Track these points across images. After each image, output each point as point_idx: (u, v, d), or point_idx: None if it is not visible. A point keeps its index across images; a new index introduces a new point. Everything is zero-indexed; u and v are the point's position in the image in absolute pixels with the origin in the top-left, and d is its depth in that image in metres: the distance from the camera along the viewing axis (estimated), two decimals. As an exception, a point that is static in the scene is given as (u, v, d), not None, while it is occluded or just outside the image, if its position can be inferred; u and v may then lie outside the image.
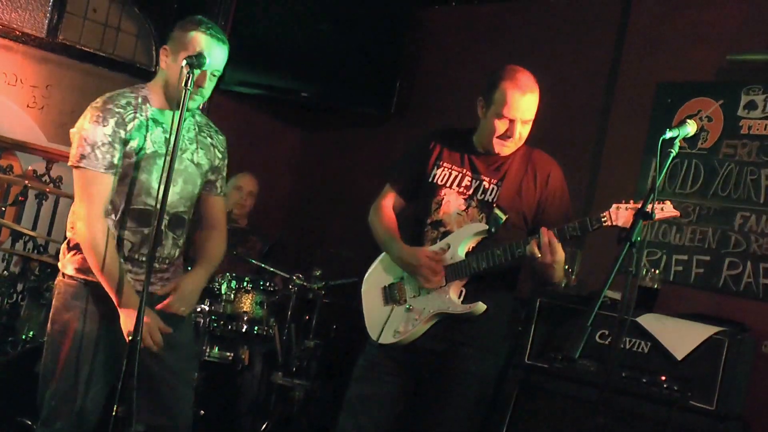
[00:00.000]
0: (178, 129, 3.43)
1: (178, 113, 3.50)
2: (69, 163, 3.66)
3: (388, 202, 4.22)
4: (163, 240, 3.81)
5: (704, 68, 5.42)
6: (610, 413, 3.26)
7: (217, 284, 5.58)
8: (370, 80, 7.12)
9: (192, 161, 3.84)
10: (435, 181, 4.06)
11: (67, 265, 3.73)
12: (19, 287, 6.37)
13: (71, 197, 6.32)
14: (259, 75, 7.22)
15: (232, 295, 5.59)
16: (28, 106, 6.76)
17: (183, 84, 3.46)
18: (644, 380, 4.19)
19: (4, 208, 5.92)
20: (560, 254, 3.69)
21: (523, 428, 4.44)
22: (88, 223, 3.59)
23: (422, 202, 4.11)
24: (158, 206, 3.48)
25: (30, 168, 6.15)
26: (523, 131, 3.94)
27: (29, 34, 6.72)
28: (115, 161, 3.61)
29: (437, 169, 4.08)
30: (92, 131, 3.61)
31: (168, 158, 3.48)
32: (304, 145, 7.89)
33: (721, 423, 3.98)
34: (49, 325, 3.76)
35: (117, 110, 3.65)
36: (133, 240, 3.74)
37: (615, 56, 5.89)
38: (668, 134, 3.40)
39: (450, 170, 4.06)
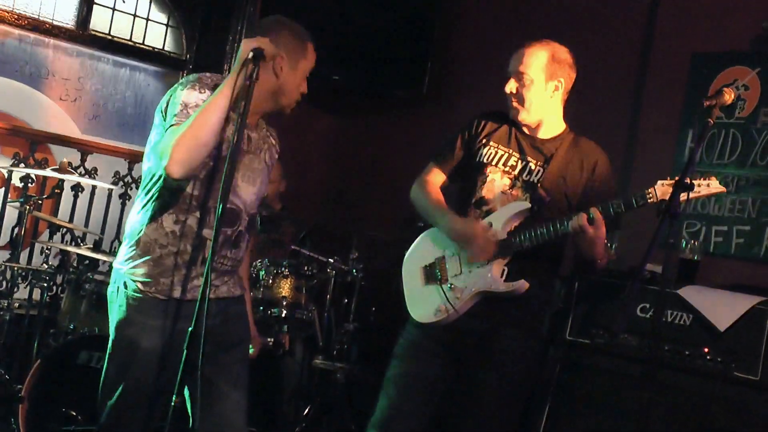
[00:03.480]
0: (240, 125, 3.32)
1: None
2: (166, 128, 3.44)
3: (432, 177, 4.21)
4: (240, 242, 3.69)
5: (739, 37, 5.36)
6: (653, 387, 3.23)
7: (254, 270, 5.58)
8: (401, 63, 7.09)
9: (265, 161, 3.74)
10: (481, 159, 4.07)
11: (130, 275, 3.55)
12: (59, 279, 6.42)
13: (107, 188, 6.40)
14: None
15: (271, 281, 5.59)
16: (60, 98, 6.80)
17: (248, 77, 3.33)
18: (687, 353, 4.16)
19: (40, 201, 5.94)
20: (602, 230, 3.68)
21: (566, 404, 4.43)
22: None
23: (467, 181, 4.11)
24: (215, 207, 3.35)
25: (65, 160, 6.17)
26: (523, 91, 4.00)
27: (59, 27, 6.75)
28: None
29: (484, 148, 4.09)
30: (186, 95, 3.45)
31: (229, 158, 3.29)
32: (337, 129, 7.88)
33: (765, 393, 3.95)
34: (111, 337, 3.61)
35: (213, 86, 3.51)
36: (223, 241, 3.59)
37: (648, 28, 5.84)
38: (705, 103, 3.37)
39: (497, 149, 4.07)
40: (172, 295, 3.55)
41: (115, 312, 3.59)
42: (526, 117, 4.03)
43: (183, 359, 3.32)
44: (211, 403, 3.66)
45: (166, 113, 3.48)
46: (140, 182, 3.66)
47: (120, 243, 4.03)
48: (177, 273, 3.56)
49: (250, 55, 3.36)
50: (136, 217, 3.59)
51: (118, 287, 3.59)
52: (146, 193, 3.58)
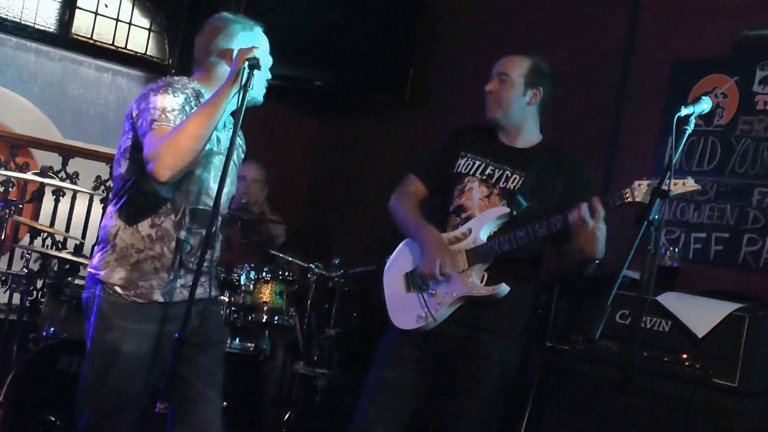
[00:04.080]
0: (234, 131, 3.39)
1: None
2: (143, 137, 3.46)
3: (411, 188, 4.25)
4: (215, 242, 3.75)
5: (719, 44, 5.39)
6: (632, 393, 3.25)
7: (236, 275, 5.58)
8: (383, 67, 7.11)
9: (234, 161, 3.75)
10: (459, 170, 4.14)
11: (108, 279, 3.55)
12: (39, 284, 6.40)
13: (88, 193, 6.39)
14: (272, 65, 7.21)
15: (252, 286, 5.59)
16: (42, 103, 6.78)
17: (242, 84, 3.41)
18: (666, 359, 4.17)
19: (21, 206, 5.93)
20: (602, 223, 3.71)
21: (546, 410, 4.44)
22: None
23: (446, 191, 4.15)
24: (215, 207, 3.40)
25: (46, 164, 6.16)
26: (498, 88, 4.12)
27: (42, 31, 6.74)
28: None
29: (462, 159, 4.16)
30: (161, 99, 3.48)
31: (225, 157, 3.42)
32: (320, 134, 7.89)
33: (743, 399, 3.97)
34: (90, 343, 3.60)
35: (184, 90, 3.58)
36: (193, 242, 3.63)
37: (629, 35, 5.87)
38: (683, 111, 3.41)
39: (474, 160, 4.14)
40: (152, 298, 3.57)
41: (93, 317, 3.59)
42: (502, 118, 4.12)
43: (170, 367, 3.34)
44: (190, 405, 3.66)
45: (137, 119, 3.51)
46: None
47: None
48: (155, 276, 3.58)
49: (246, 64, 3.42)
50: (110, 221, 3.61)
51: (94, 292, 3.59)
52: (119, 198, 3.60)
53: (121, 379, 3.57)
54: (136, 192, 3.57)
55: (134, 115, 3.53)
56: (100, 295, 3.57)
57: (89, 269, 3.66)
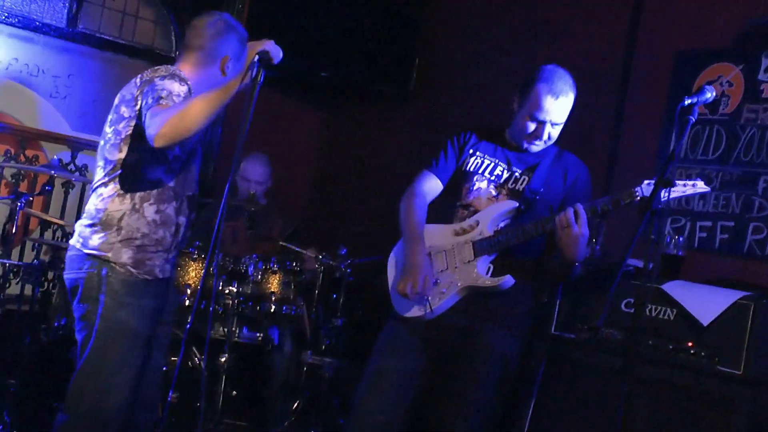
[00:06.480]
0: (246, 123, 3.50)
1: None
2: (146, 111, 3.55)
3: (423, 186, 4.23)
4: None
5: (723, 33, 5.39)
6: (637, 381, 3.27)
7: (243, 266, 5.61)
8: (388, 59, 7.11)
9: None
10: (468, 168, 4.15)
11: (116, 260, 3.69)
12: (50, 275, 6.44)
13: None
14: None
15: (260, 276, 5.63)
16: (51, 96, 6.81)
17: (253, 78, 3.53)
18: (671, 347, 4.19)
19: (31, 198, 5.96)
20: (585, 229, 3.73)
21: (551, 399, 4.46)
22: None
23: (455, 188, 4.17)
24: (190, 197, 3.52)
25: (55, 157, 6.20)
26: (553, 132, 4.08)
27: (49, 25, 6.76)
28: None
29: (470, 157, 4.18)
30: (170, 84, 3.60)
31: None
32: (326, 125, 7.90)
33: (748, 387, 3.99)
34: (99, 321, 3.71)
35: (187, 82, 3.69)
36: (185, 226, 3.87)
37: (632, 25, 5.87)
38: (686, 101, 3.42)
39: (483, 159, 4.16)
40: (156, 275, 3.76)
41: (102, 296, 3.71)
42: (541, 147, 4.12)
43: (180, 356, 3.43)
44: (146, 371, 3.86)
45: (141, 102, 3.61)
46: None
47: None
48: (156, 256, 3.76)
49: (256, 58, 3.50)
50: (111, 205, 3.72)
51: (99, 273, 3.71)
52: (120, 183, 3.71)
53: (126, 354, 3.72)
54: (141, 179, 3.71)
55: (138, 99, 3.65)
56: (109, 275, 3.70)
57: (87, 250, 3.75)
